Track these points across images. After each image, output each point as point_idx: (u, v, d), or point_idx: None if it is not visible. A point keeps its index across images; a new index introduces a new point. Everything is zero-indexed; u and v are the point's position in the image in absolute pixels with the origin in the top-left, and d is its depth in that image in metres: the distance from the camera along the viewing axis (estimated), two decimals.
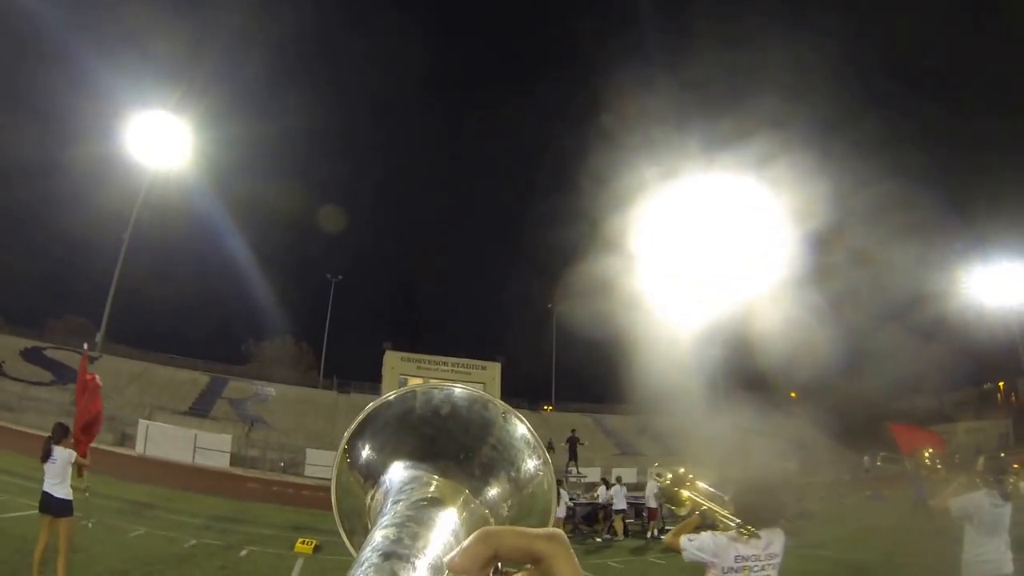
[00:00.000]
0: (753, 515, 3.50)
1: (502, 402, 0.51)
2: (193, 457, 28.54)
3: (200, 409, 35.21)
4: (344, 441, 0.51)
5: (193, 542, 11.19)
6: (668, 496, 4.47)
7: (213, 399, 36.70)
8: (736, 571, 3.46)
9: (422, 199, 75.56)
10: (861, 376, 19.31)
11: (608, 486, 20.65)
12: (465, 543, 0.37)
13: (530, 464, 0.50)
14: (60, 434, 7.36)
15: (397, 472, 0.48)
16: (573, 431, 30.89)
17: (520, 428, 0.51)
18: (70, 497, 7.01)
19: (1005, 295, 33.11)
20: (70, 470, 7.03)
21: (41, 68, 43.47)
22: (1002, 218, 28.75)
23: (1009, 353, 36.56)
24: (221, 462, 28.94)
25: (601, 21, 65.19)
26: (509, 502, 0.49)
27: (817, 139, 19.74)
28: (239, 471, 27.86)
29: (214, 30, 46.45)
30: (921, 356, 20.71)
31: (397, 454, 0.49)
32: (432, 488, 0.46)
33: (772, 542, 3.54)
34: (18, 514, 11.63)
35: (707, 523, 3.78)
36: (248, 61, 46.11)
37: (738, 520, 3.52)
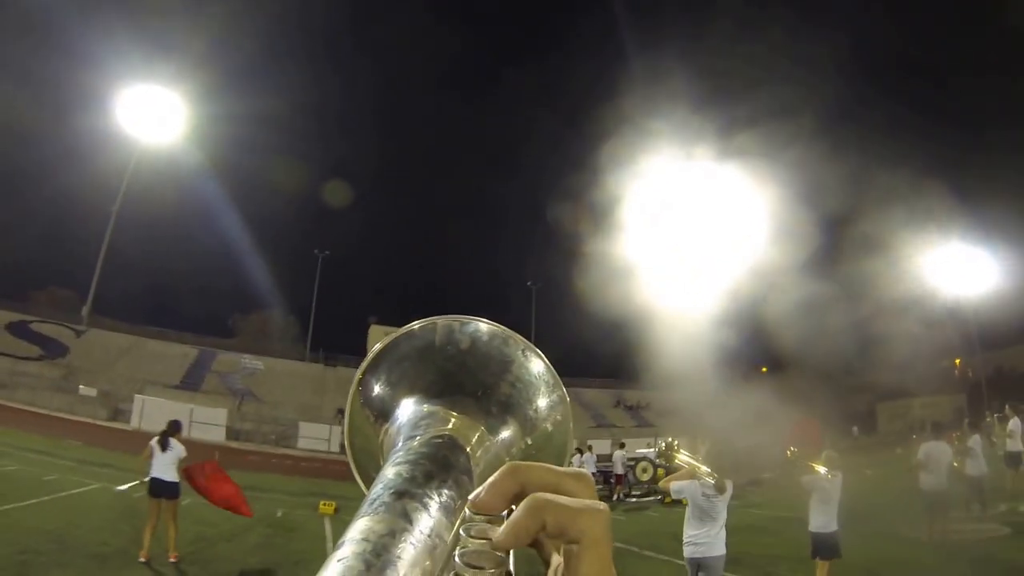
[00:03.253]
0: (717, 469, 5.24)
1: (522, 338, 0.51)
2: (189, 431, 29.32)
3: (191, 383, 35.84)
4: (359, 374, 0.51)
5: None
6: (665, 457, 5.82)
7: (203, 373, 37.31)
8: (700, 502, 5.26)
9: (410, 177, 75.89)
10: (828, 354, 20.31)
11: (581, 453, 22.56)
12: (491, 478, 0.37)
13: (548, 401, 0.50)
14: (174, 429, 8.35)
15: (412, 408, 0.48)
16: None
17: (539, 364, 0.50)
18: (177, 481, 8.01)
19: (963, 276, 34.52)
20: (177, 463, 8.05)
21: (33, 37, 42.49)
22: (967, 201, 29.80)
23: (965, 332, 38.26)
24: (217, 436, 29.76)
25: (610, 10, 65.51)
26: (526, 440, 0.49)
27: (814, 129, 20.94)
28: (235, 444, 28.70)
29: (208, 6, 45.78)
30: (883, 334, 21.90)
31: (413, 389, 0.49)
32: (448, 425, 0.46)
33: (727, 487, 5.33)
34: (79, 490, 12.44)
35: (683, 474, 5.44)
36: (241, 37, 45.57)
37: (710, 471, 5.22)
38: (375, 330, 42.67)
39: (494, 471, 0.37)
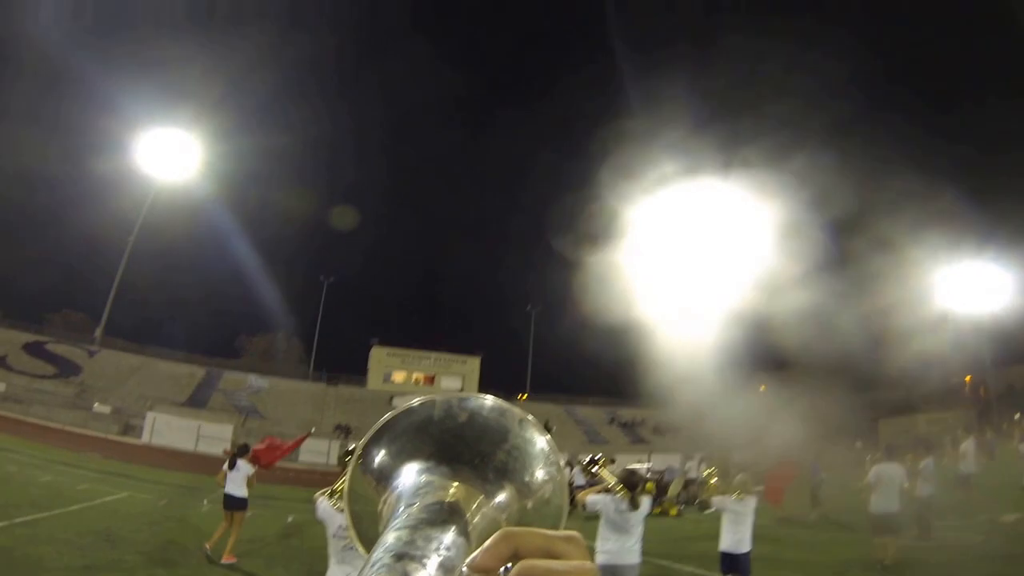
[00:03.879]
0: (627, 484, 5.84)
1: (519, 410, 0.52)
2: (196, 445, 30.86)
3: (198, 400, 37.38)
4: (361, 445, 0.52)
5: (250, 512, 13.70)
6: (586, 472, 6.57)
7: (210, 391, 38.87)
8: (613, 516, 5.73)
9: (411, 206, 78.18)
10: (831, 369, 20.35)
11: (571, 467, 24.09)
12: (487, 543, 0.38)
13: (543, 470, 0.51)
14: (243, 451, 9.69)
15: (411, 476, 0.49)
16: (547, 421, 33.77)
17: (537, 435, 0.52)
18: (246, 496, 9.19)
19: (975, 293, 33.91)
20: (246, 480, 9.22)
21: (59, 87, 45.34)
22: (981, 217, 29.49)
23: (977, 348, 37.32)
24: (222, 450, 31.26)
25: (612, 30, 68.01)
26: (522, 506, 0.50)
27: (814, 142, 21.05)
28: None
29: (218, 48, 48.30)
30: (890, 350, 22.15)
31: (412, 459, 0.50)
32: (446, 492, 0.47)
33: (643, 504, 5.76)
34: (110, 498, 13.95)
35: (599, 489, 6.08)
36: (252, 79, 48.05)
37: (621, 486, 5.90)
38: (377, 351, 44.05)
39: (491, 535, 0.39)
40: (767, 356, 21.80)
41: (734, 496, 6.80)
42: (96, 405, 32.95)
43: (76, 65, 42.69)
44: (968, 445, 14.30)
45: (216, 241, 49.24)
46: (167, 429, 31.05)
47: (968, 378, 41.15)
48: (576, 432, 43.84)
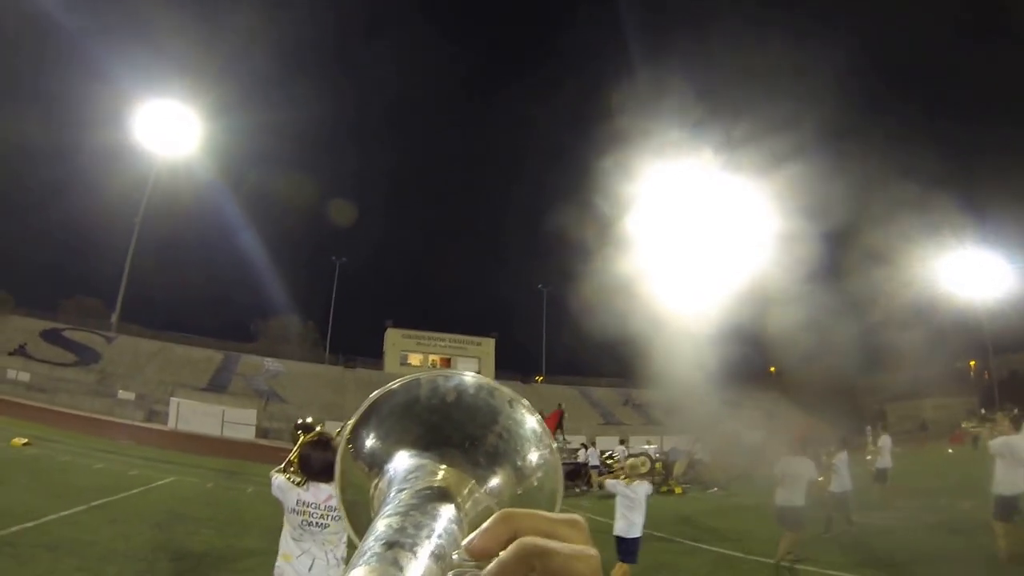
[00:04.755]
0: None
1: (508, 389, 0.51)
2: (222, 430, 31.01)
3: (218, 385, 37.50)
4: (348, 430, 0.51)
5: None
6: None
7: (229, 375, 38.98)
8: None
9: (424, 187, 77.91)
10: (839, 355, 20.90)
11: (586, 448, 24.56)
12: (485, 524, 0.38)
13: (536, 452, 0.51)
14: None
15: (401, 461, 0.48)
16: (560, 405, 34.02)
17: (527, 416, 0.51)
18: None
19: (979, 280, 34.19)
20: None
21: (59, 60, 44.65)
22: (985, 206, 30.13)
23: (979, 335, 38.32)
24: (247, 434, 31.47)
25: (613, 27, 67.56)
26: (515, 491, 0.49)
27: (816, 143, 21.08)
28: (264, 442, 30.30)
29: (226, 22, 47.75)
30: (895, 336, 22.49)
31: (401, 443, 0.49)
32: (436, 477, 0.46)
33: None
34: (163, 482, 14.10)
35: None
36: (257, 53, 47.73)
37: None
38: (392, 332, 44.08)
39: (484, 520, 0.38)
40: (777, 345, 21.56)
41: (624, 481, 6.94)
42: (120, 392, 33.06)
43: (76, 41, 42.11)
44: (885, 440, 13.82)
45: (224, 222, 49.03)
46: (192, 414, 31.14)
47: (972, 363, 41.70)
48: (592, 413, 44.12)
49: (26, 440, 16.16)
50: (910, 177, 22.27)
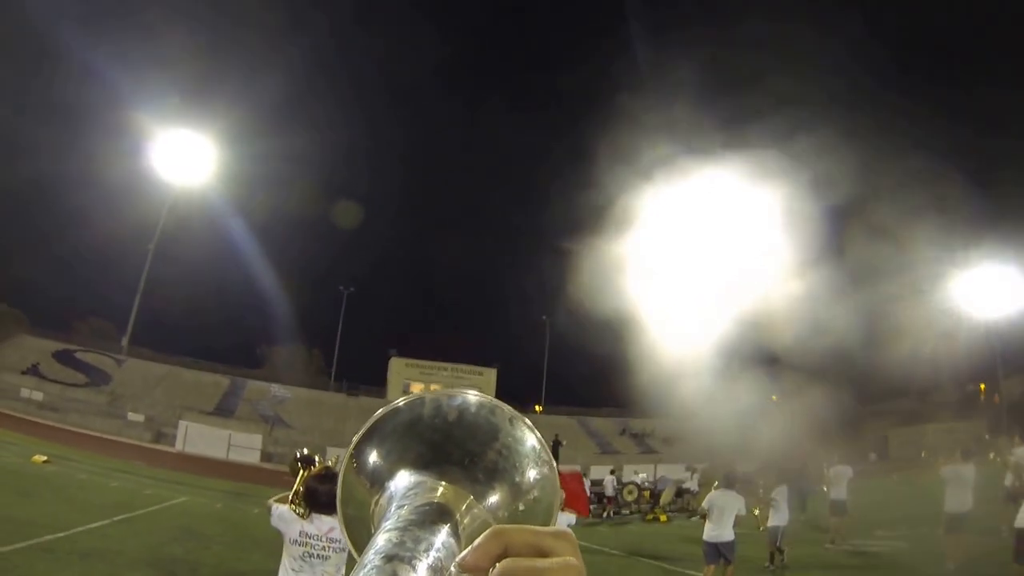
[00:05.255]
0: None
1: (509, 407, 0.52)
2: (227, 454, 31.77)
3: (225, 409, 38.34)
4: (351, 447, 0.52)
5: None
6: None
7: (236, 400, 39.84)
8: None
9: (430, 220, 79.24)
10: (840, 381, 20.87)
11: (613, 473, 25.57)
12: (477, 541, 0.38)
13: (535, 469, 0.51)
14: None
15: (402, 478, 0.49)
16: (556, 436, 34.63)
17: (527, 433, 0.52)
18: None
19: (986, 299, 32.78)
20: None
21: (78, 89, 46.38)
22: (996, 221, 28.04)
23: (991, 356, 36.48)
24: (252, 458, 32.22)
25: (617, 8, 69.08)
26: (513, 506, 0.50)
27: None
28: (268, 466, 30.99)
29: (235, 51, 49.82)
30: (899, 359, 21.46)
31: (402, 460, 0.50)
32: (436, 493, 0.47)
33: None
34: (175, 501, 14.89)
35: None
36: (264, 82, 49.16)
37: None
38: (395, 362, 44.89)
39: (481, 535, 0.39)
40: (776, 370, 21.72)
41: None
42: (130, 414, 33.95)
43: (96, 74, 44.00)
44: (841, 470, 13.45)
45: (234, 250, 50.29)
46: (199, 437, 31.95)
47: (983, 386, 39.79)
48: (589, 444, 44.57)
49: (45, 458, 16.98)
50: (921, 185, 21.23)
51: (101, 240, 43.13)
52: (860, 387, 23.87)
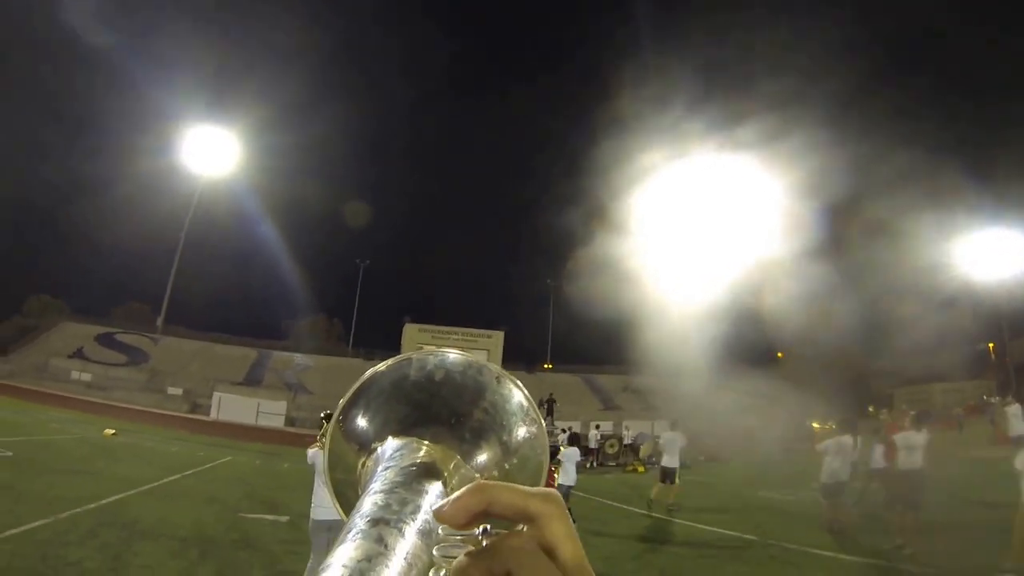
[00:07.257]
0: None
1: (497, 366, 0.52)
2: (256, 419, 35.23)
3: (253, 379, 41.86)
4: (337, 411, 0.51)
5: None
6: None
7: (262, 371, 43.36)
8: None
9: (440, 194, 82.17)
10: (844, 338, 21.06)
11: (598, 428, 28.81)
12: (457, 493, 0.37)
13: (522, 427, 0.50)
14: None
15: (388, 439, 0.49)
16: (550, 395, 37.35)
17: (515, 391, 0.51)
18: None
19: (993, 261, 32.71)
20: None
21: (110, 92, 50.38)
22: (999, 187, 28.82)
23: (998, 316, 36.67)
24: (278, 422, 35.70)
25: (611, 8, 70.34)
26: (501, 465, 0.49)
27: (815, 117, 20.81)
28: (292, 429, 34.32)
29: (257, 50, 52.78)
30: (904, 318, 22.08)
31: (389, 421, 0.50)
32: (422, 453, 0.46)
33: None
34: (223, 460, 18.19)
35: None
36: (284, 78, 52.43)
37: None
38: (409, 328, 47.94)
39: (463, 487, 0.38)
40: (782, 329, 21.65)
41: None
42: (169, 388, 37.54)
43: (126, 76, 47.10)
44: (844, 440, 12.79)
45: (258, 234, 53.89)
46: (231, 406, 35.37)
47: (992, 346, 39.44)
48: (593, 400, 47.52)
49: (114, 431, 20.31)
50: (921, 151, 21.07)
51: (135, 230, 46.78)
52: (864, 345, 23.90)
